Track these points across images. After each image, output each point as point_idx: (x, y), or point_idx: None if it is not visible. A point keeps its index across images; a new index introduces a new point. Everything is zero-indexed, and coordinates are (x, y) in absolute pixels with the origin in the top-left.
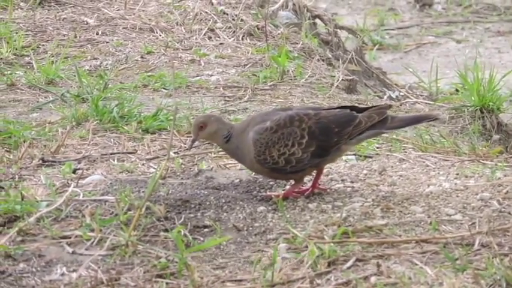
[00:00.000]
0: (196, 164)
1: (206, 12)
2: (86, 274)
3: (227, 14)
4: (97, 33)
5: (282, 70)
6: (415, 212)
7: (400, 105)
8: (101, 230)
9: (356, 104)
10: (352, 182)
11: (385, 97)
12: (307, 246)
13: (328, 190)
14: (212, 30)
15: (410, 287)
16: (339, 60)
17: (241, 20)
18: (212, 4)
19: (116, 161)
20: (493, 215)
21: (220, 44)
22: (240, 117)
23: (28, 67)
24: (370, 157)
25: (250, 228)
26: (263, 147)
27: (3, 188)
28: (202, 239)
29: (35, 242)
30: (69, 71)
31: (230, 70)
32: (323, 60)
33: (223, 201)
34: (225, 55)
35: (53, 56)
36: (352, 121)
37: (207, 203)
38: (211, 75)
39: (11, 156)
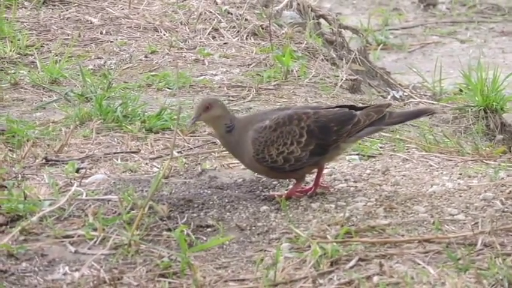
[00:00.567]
0: (199, 163)
1: (210, 12)
2: (88, 273)
3: (231, 14)
4: (101, 33)
5: (286, 70)
6: (418, 212)
7: (404, 105)
8: (103, 229)
9: (360, 104)
10: (355, 181)
11: (389, 97)
12: (309, 246)
13: (331, 189)
14: (216, 29)
15: (413, 287)
16: (342, 60)
17: (246, 19)
18: (216, 4)
19: (119, 160)
20: (496, 215)
21: (225, 43)
22: None
23: (32, 66)
24: (374, 157)
25: (253, 228)
26: (262, 146)
27: (6, 187)
28: (205, 238)
29: (38, 241)
30: (73, 70)
31: (234, 70)
32: (327, 60)
33: (226, 200)
34: (229, 55)
35: (56, 55)
36: (351, 119)
37: (210, 202)
38: (215, 75)
39: (14, 156)
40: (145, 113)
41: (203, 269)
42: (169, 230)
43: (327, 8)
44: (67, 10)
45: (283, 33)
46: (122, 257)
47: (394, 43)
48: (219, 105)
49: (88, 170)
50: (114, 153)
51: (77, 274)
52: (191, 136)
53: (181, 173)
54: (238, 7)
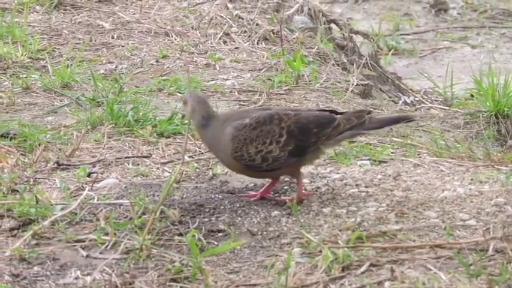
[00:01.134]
0: (210, 168)
1: (221, 17)
2: (100, 278)
3: (242, 19)
4: (112, 37)
5: (297, 75)
6: (429, 217)
7: (415, 110)
8: (115, 234)
9: (370, 109)
10: (366, 186)
11: (400, 102)
12: (321, 251)
13: (314, 194)
14: (227, 34)
15: None
16: (353, 65)
17: (257, 24)
18: (227, 8)
19: (130, 164)
20: (508, 220)
21: (236, 48)
22: None
23: (43, 70)
24: (385, 162)
25: (265, 233)
26: (241, 144)
27: (18, 191)
28: (216, 243)
29: (50, 246)
30: (85, 74)
31: (245, 74)
32: (338, 65)
33: (238, 205)
34: (240, 59)
35: (68, 60)
36: (331, 123)
37: (222, 207)
38: (226, 80)
39: (26, 160)
40: (157, 118)
41: (214, 273)
42: (180, 234)
43: (338, 13)
44: (78, 14)
45: (294, 38)
46: (133, 262)
47: (405, 48)
48: (194, 101)
49: (99, 175)
50: (126, 157)
51: (88, 278)
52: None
53: (192, 177)
54: (249, 12)
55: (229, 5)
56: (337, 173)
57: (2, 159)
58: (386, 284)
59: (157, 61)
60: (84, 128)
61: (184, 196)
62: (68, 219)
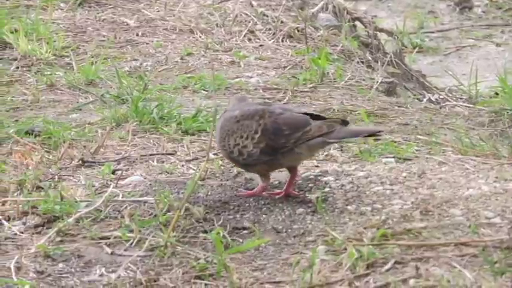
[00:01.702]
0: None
1: (246, 14)
2: (124, 275)
3: (267, 16)
4: (137, 35)
5: (321, 72)
6: (454, 215)
7: (440, 108)
8: (140, 231)
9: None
10: (391, 184)
11: (425, 100)
12: (346, 249)
13: (300, 195)
14: (252, 32)
15: None
16: (378, 62)
17: (281, 22)
18: (252, 6)
19: (155, 162)
20: None
21: (260, 45)
22: None
23: (68, 68)
24: (410, 160)
25: (289, 230)
26: (224, 134)
27: (43, 188)
28: (241, 240)
29: (74, 243)
30: (109, 71)
31: (270, 72)
32: (363, 63)
33: (262, 203)
34: (265, 57)
35: (92, 57)
36: (303, 127)
37: (246, 204)
38: (251, 77)
39: (51, 157)
40: (181, 115)
41: (239, 271)
42: (205, 232)
43: (363, 10)
44: (103, 12)
45: (318, 36)
46: (158, 259)
47: (429, 46)
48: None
49: (124, 172)
50: (150, 155)
51: (113, 275)
52: None
53: (217, 175)
54: (274, 9)
55: (254, 3)
56: (362, 171)
57: (26, 157)
58: (411, 281)
59: (182, 58)
60: (109, 125)
61: (209, 193)
62: (93, 216)
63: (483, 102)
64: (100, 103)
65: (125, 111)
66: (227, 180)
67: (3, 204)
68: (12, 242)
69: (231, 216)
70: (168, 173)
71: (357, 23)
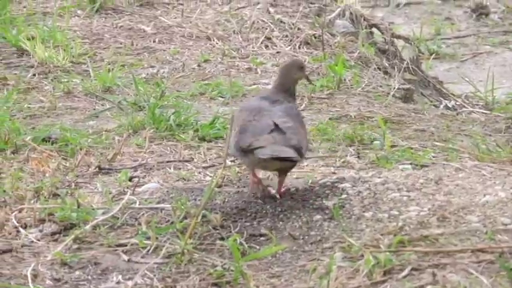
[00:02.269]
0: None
1: (263, 21)
2: (141, 282)
3: (284, 23)
4: (154, 41)
5: (338, 79)
6: (471, 222)
7: (457, 114)
8: (157, 238)
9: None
10: (408, 191)
11: (441, 106)
12: (363, 255)
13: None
14: (269, 38)
15: None
16: (395, 69)
17: (298, 28)
18: (269, 13)
19: (172, 169)
20: None
21: (277, 52)
22: None
23: (85, 75)
24: (427, 166)
25: (306, 237)
26: (230, 121)
27: (59, 195)
28: (258, 247)
29: (91, 250)
30: (126, 78)
31: None
32: (379, 69)
33: (279, 210)
34: (282, 64)
35: (109, 64)
36: (256, 136)
37: (263, 211)
38: (268, 84)
39: (68, 164)
40: (198, 122)
41: (256, 278)
42: (222, 238)
43: (379, 17)
44: (120, 19)
45: (335, 42)
46: (175, 266)
47: (446, 52)
48: None
49: (141, 179)
50: (167, 161)
51: (130, 283)
52: None
53: (234, 181)
54: (291, 16)
55: (271, 9)
56: (379, 177)
57: (43, 164)
58: None
59: (198, 65)
60: (126, 133)
61: (226, 200)
62: (110, 223)
63: (500, 109)
64: (117, 110)
65: (142, 118)
66: (244, 187)
67: (20, 212)
68: (29, 249)
69: (248, 223)
70: (185, 180)
71: (374, 29)
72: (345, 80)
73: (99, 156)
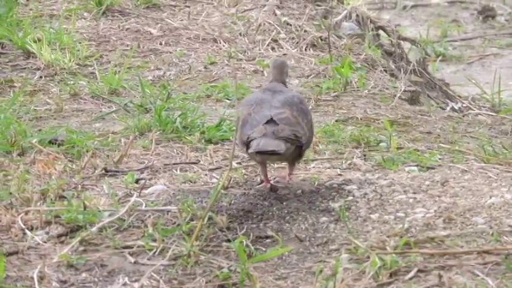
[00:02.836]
0: (258, 174)
1: (269, 23)
2: (148, 284)
3: (290, 25)
4: (160, 44)
5: (345, 81)
6: (477, 223)
7: (463, 116)
8: (163, 240)
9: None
10: (414, 193)
11: (448, 108)
12: (369, 257)
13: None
14: (275, 40)
15: None
16: (401, 71)
17: (305, 30)
18: (275, 15)
19: (178, 171)
20: None
21: (284, 54)
22: None
23: (91, 77)
24: (433, 168)
25: (313, 239)
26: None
27: (66, 197)
28: (264, 249)
29: (97, 252)
30: (132, 81)
31: (293, 81)
32: (386, 71)
33: (286, 211)
34: (288, 66)
35: (116, 66)
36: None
37: (270, 213)
38: None
39: (74, 166)
40: (205, 124)
41: (262, 279)
42: (228, 240)
43: (386, 19)
44: (126, 21)
45: (342, 45)
46: (181, 268)
47: (453, 55)
48: None
49: (147, 181)
50: (174, 164)
51: (136, 285)
52: None
53: (240, 183)
54: (297, 18)
55: (277, 12)
56: (385, 179)
57: (50, 166)
58: None
59: (205, 67)
60: (132, 135)
61: (232, 202)
62: (116, 225)
63: (506, 111)
64: (123, 112)
65: (148, 120)
66: (250, 189)
67: (26, 214)
68: (35, 251)
69: (254, 225)
70: (191, 182)
71: (381, 31)
72: (351, 82)
73: (105, 158)
